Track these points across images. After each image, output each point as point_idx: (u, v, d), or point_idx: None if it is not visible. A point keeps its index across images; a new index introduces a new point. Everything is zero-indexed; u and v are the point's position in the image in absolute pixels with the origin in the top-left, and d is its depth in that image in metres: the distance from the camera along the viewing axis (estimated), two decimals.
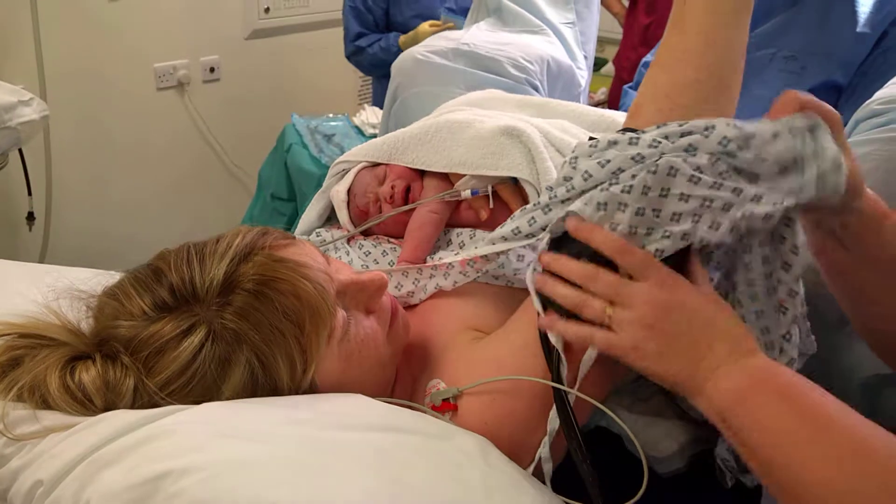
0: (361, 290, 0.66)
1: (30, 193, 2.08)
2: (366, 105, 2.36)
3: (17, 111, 1.69)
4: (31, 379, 0.57)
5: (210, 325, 0.58)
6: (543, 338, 0.63)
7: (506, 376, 0.63)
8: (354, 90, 3.25)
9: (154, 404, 0.57)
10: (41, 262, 2.26)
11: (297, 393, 0.60)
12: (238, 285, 0.59)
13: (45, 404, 0.57)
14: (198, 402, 0.57)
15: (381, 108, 2.22)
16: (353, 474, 0.49)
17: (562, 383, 0.60)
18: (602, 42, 2.96)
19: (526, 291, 0.67)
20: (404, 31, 2.32)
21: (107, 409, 0.57)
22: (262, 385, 0.59)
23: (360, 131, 2.09)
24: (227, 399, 0.58)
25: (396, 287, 0.84)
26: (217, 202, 2.78)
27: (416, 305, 0.84)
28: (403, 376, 0.75)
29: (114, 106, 2.42)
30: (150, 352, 0.58)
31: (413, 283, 0.84)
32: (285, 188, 1.96)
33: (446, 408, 0.66)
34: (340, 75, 3.13)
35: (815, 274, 0.69)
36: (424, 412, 0.65)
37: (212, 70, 2.68)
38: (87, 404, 0.57)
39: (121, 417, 0.54)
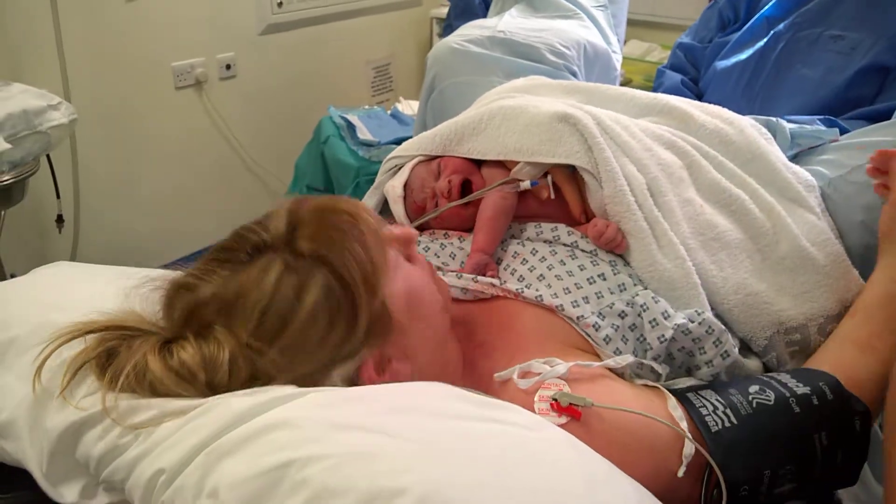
0: (396, 241, 0.70)
1: (58, 196, 2.08)
2: (401, 98, 2.35)
3: (46, 115, 1.69)
4: (134, 366, 0.58)
5: (284, 259, 0.61)
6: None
7: (649, 415, 0.64)
8: (368, 82, 3.24)
9: (252, 366, 0.59)
10: None
11: (370, 319, 0.62)
12: (301, 221, 0.63)
13: (153, 390, 0.58)
14: (279, 337, 0.59)
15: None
16: (473, 457, 0.49)
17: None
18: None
19: None
20: None
21: (209, 383, 0.59)
22: (341, 301, 0.61)
23: (399, 120, 2.09)
24: (303, 323, 0.59)
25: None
26: (237, 199, 2.78)
27: (489, 301, 0.82)
28: (479, 364, 0.75)
29: (135, 106, 2.42)
30: (237, 303, 0.60)
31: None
32: (321, 179, 1.99)
33: (570, 413, 0.64)
34: (354, 68, 3.12)
35: None
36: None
37: (228, 67, 2.67)
38: (192, 381, 0.59)
39: (231, 406, 0.54)
